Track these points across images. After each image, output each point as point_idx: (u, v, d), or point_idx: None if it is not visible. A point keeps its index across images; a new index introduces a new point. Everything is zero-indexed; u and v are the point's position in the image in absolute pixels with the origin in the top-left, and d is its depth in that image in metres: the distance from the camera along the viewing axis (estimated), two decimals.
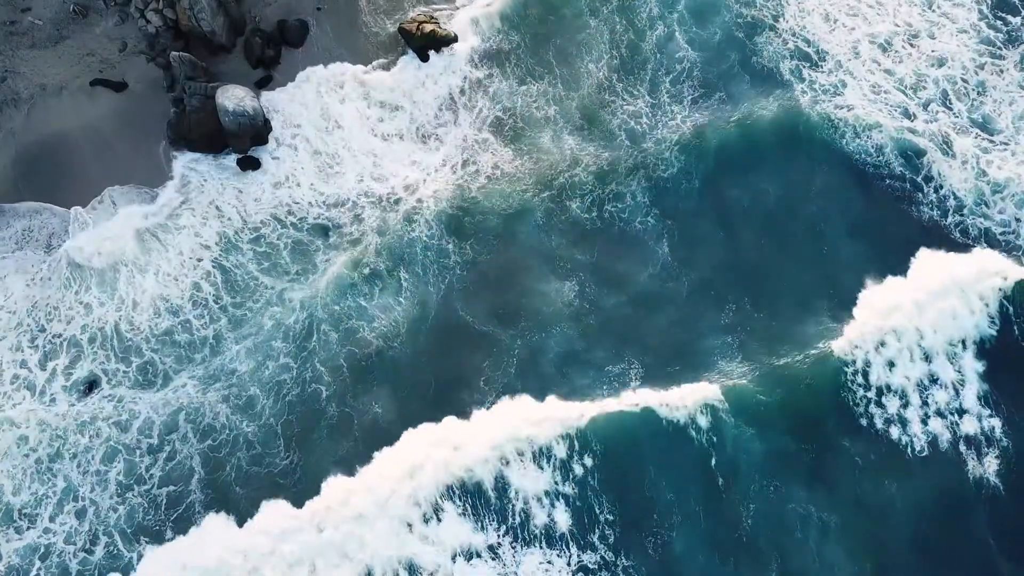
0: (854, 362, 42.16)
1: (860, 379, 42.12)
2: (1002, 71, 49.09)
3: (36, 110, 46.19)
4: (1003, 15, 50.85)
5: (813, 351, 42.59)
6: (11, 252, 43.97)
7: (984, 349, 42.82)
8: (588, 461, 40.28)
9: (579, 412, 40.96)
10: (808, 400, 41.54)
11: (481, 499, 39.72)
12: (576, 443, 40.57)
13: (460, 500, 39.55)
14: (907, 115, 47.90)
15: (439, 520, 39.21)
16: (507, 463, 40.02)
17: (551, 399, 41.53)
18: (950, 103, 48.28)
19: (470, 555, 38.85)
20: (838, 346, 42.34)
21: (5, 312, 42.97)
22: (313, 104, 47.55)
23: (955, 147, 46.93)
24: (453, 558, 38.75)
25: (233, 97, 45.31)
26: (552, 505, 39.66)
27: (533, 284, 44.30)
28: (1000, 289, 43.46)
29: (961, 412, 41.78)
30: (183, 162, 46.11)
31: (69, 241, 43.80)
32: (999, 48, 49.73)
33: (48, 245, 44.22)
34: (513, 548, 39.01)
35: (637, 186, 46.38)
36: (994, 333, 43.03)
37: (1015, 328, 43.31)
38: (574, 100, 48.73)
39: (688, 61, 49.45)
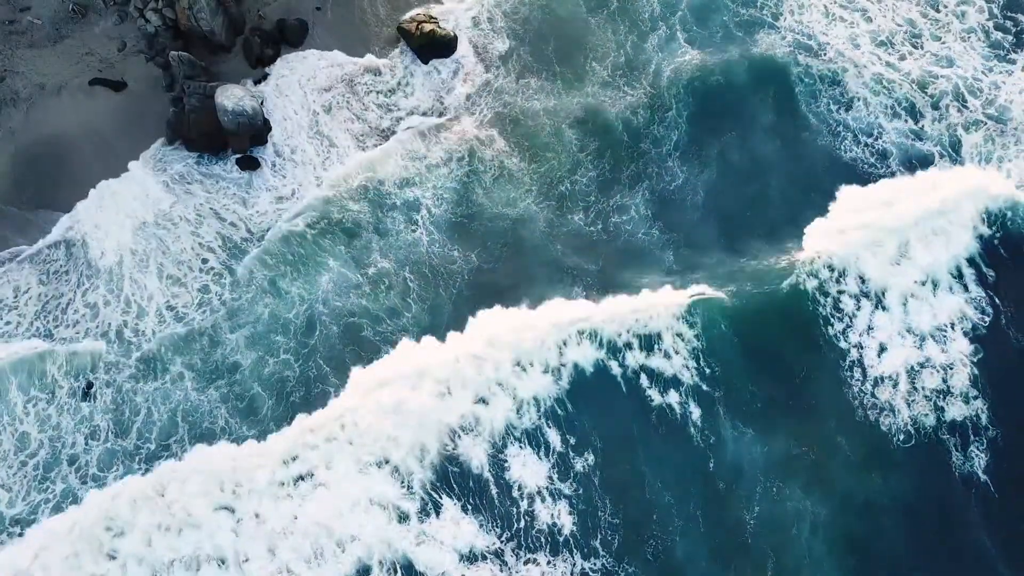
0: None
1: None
2: (1010, 73, 49.04)
3: (35, 109, 46.09)
4: (1013, 15, 50.87)
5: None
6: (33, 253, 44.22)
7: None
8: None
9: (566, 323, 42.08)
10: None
11: (481, 495, 39.86)
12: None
13: (460, 497, 39.63)
14: (913, 114, 48.02)
15: (437, 515, 39.25)
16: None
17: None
18: (963, 100, 48.42)
19: (473, 557, 38.83)
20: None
21: (15, 315, 42.98)
22: (301, 107, 47.55)
23: (964, 144, 47.11)
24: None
25: (232, 97, 45.22)
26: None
27: (540, 291, 44.35)
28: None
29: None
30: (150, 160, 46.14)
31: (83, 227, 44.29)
32: (1008, 51, 49.69)
33: (68, 244, 44.31)
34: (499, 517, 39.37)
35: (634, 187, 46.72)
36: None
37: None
38: (575, 97, 48.63)
39: (688, 58, 49.53)
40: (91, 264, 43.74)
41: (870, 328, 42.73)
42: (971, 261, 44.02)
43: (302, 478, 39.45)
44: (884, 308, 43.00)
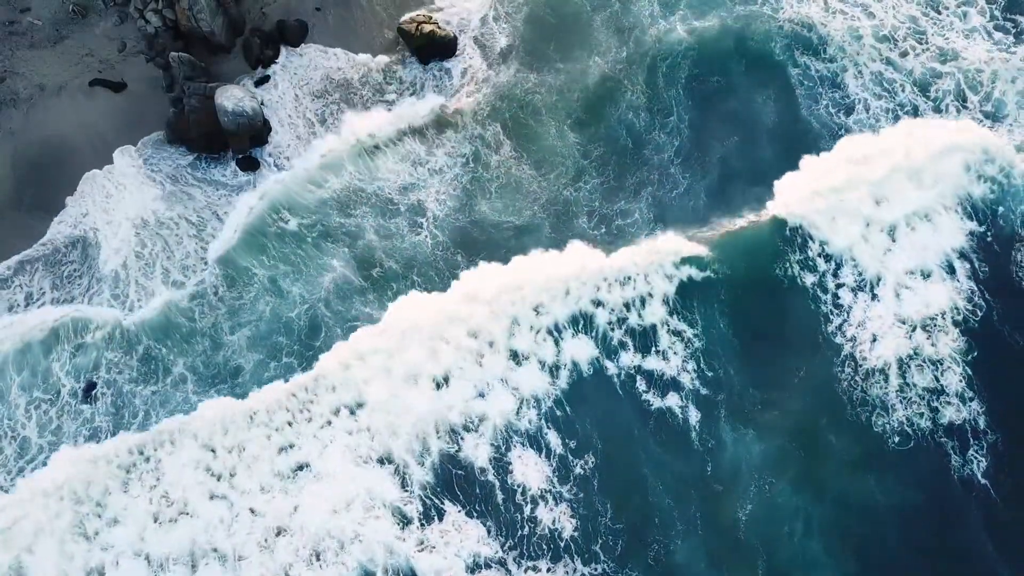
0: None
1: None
2: (1007, 60, 49.10)
3: (35, 110, 46.11)
4: (1012, 16, 50.87)
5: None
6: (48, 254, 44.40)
7: None
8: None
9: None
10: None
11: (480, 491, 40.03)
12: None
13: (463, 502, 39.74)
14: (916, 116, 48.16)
15: (440, 520, 39.33)
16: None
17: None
18: (964, 99, 48.49)
19: (476, 566, 38.85)
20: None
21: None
22: (296, 110, 47.62)
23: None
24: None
25: (232, 97, 45.22)
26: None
27: None
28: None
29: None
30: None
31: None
32: (1008, 46, 49.72)
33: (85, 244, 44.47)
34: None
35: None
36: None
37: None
38: (576, 94, 48.55)
39: (688, 57, 49.51)
40: (99, 267, 43.94)
41: (864, 320, 42.97)
42: (962, 253, 44.30)
43: (300, 468, 39.67)
44: (876, 296, 43.25)
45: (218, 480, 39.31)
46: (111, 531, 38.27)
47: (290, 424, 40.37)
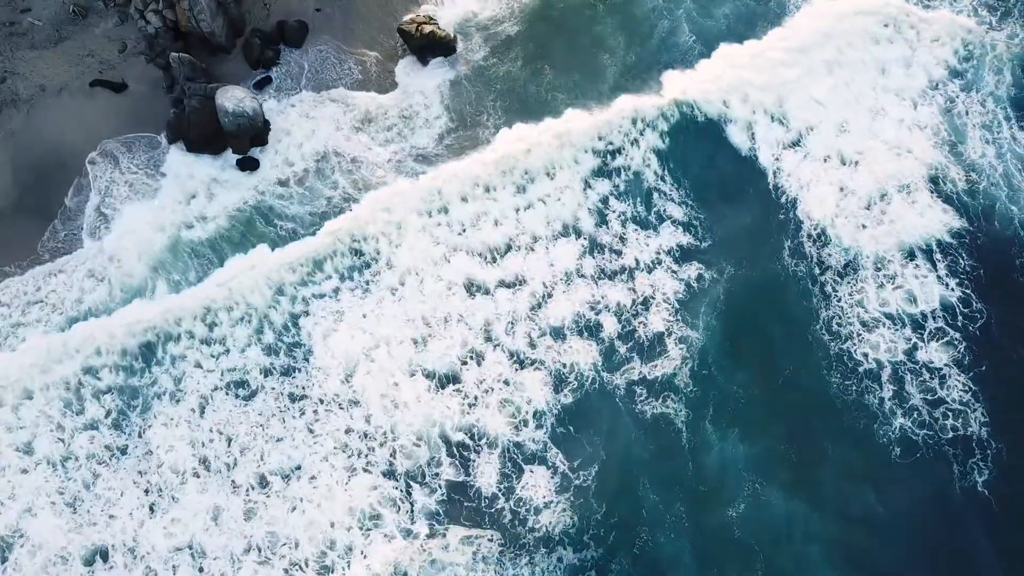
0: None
1: None
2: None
3: (36, 111, 46.28)
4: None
5: None
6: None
7: None
8: None
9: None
10: None
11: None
12: None
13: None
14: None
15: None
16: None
17: None
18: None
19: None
20: None
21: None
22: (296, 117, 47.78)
23: None
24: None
25: (233, 98, 45.26)
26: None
27: None
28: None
29: None
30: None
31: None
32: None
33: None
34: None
35: None
36: None
37: None
38: (590, 100, 48.38)
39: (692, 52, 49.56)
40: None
41: (854, 304, 43.06)
42: (942, 243, 44.16)
43: (298, 467, 39.98)
44: (859, 280, 43.49)
45: (216, 474, 39.68)
46: (102, 515, 38.84)
47: (283, 421, 40.77)
